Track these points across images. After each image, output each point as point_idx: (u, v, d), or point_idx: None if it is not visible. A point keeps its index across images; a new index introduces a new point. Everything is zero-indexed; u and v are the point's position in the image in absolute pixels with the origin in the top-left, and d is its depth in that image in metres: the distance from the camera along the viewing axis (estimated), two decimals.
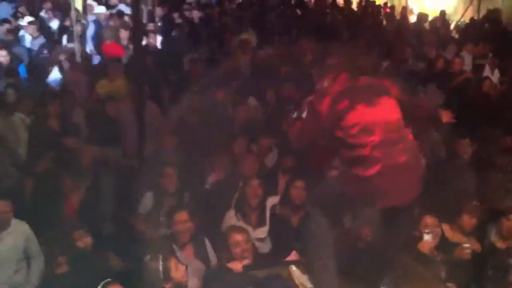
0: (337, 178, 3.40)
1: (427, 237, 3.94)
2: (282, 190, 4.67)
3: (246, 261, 3.72)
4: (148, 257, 3.22)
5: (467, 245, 4.05)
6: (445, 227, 4.21)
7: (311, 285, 3.38)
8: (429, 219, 4.04)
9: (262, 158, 5.30)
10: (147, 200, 4.59)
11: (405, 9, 12.66)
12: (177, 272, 3.20)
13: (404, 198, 3.12)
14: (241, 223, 4.26)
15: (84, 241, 3.90)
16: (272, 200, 4.56)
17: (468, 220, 4.21)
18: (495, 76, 7.85)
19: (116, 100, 5.93)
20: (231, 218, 4.39)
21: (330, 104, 3.04)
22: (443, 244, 4.07)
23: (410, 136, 3.16)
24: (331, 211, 3.27)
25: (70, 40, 8.28)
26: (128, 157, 5.46)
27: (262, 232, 4.34)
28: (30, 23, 8.84)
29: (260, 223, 4.35)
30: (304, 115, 3.27)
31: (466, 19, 11.99)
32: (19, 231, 4.01)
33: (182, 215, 3.93)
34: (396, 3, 14.19)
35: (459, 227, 4.22)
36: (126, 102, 5.85)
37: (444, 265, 3.89)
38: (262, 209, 4.44)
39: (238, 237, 3.78)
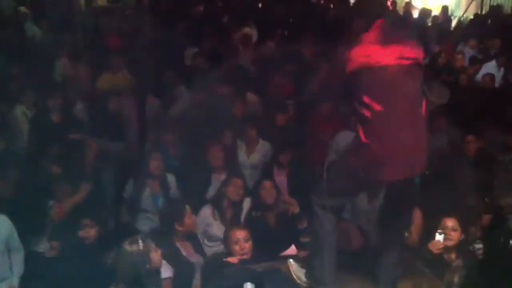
0: (340, 153, 3.26)
1: (438, 237, 3.84)
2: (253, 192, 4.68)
3: (245, 257, 3.76)
4: (127, 242, 3.26)
5: (479, 246, 3.99)
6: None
7: (307, 280, 3.39)
8: (449, 221, 3.91)
9: (250, 150, 5.33)
10: (129, 185, 4.76)
11: (408, 5, 12.64)
12: (155, 254, 3.28)
13: (406, 172, 3.04)
14: (217, 222, 4.35)
15: (88, 232, 3.96)
16: (247, 201, 4.59)
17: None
18: (501, 73, 7.82)
19: (118, 95, 5.94)
20: (207, 215, 4.44)
21: (356, 52, 2.95)
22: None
23: (421, 107, 3.04)
24: (339, 198, 3.24)
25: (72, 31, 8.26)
26: (129, 151, 5.49)
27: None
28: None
29: (235, 223, 4.35)
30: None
31: (470, 14, 11.96)
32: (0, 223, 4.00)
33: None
34: None
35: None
36: (128, 96, 5.87)
37: (460, 270, 3.78)
38: (239, 210, 4.49)
39: (239, 235, 3.82)
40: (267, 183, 4.56)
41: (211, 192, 4.84)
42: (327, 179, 3.25)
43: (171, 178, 4.90)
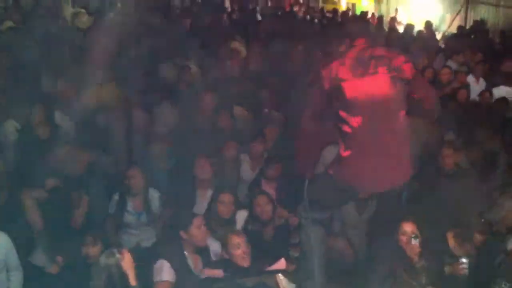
0: (327, 166, 3.34)
1: (414, 242, 3.87)
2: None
3: (247, 263, 3.76)
4: (104, 254, 3.26)
5: (464, 260, 3.96)
6: (449, 236, 4.14)
7: None
8: (407, 226, 3.93)
9: (255, 166, 5.30)
10: (114, 201, 4.71)
11: (393, 20, 12.82)
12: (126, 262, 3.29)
13: (389, 183, 3.08)
14: (210, 238, 4.24)
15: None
16: (242, 214, 4.51)
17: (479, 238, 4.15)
18: (481, 85, 7.95)
19: (107, 109, 5.93)
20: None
21: (334, 70, 3.00)
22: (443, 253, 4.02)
23: (403, 118, 3.08)
24: (322, 212, 3.26)
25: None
26: (116, 165, 5.46)
27: None
28: None
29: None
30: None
31: (453, 29, 12.16)
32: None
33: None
34: (384, 13, 14.37)
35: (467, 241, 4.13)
36: (116, 109, 5.85)
37: (427, 272, 3.84)
38: (233, 224, 4.42)
39: (239, 239, 3.82)
40: (262, 199, 4.43)
41: (199, 207, 4.76)
42: (312, 192, 3.28)
43: (154, 194, 4.82)
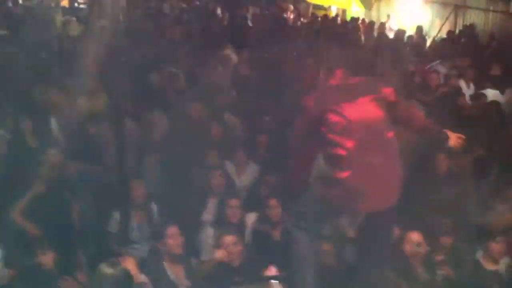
0: (316, 183, 3.39)
1: (417, 250, 3.94)
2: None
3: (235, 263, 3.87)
4: (105, 264, 3.24)
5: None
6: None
7: None
8: (413, 235, 4.00)
9: (239, 173, 5.34)
10: (115, 219, 4.66)
11: (383, 25, 12.88)
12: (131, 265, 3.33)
13: (382, 203, 3.11)
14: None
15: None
16: (252, 216, 4.67)
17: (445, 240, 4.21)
18: (471, 90, 8.00)
19: (96, 119, 5.90)
20: (209, 237, 4.46)
21: (318, 99, 3.07)
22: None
23: (391, 140, 3.14)
24: (312, 223, 3.27)
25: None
26: (108, 174, 5.42)
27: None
28: None
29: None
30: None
31: (443, 34, 12.24)
32: None
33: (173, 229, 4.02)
34: (375, 19, 14.44)
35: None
36: (106, 120, 5.82)
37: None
38: (242, 227, 4.55)
39: (229, 239, 3.91)
40: (272, 202, 4.66)
41: (206, 215, 4.86)
42: (302, 203, 3.30)
43: (153, 207, 4.86)
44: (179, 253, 4.04)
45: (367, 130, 3.02)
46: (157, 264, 3.91)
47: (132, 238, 4.63)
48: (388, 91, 3.18)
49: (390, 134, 3.14)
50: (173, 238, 3.99)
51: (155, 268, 3.87)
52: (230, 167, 5.45)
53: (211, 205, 4.94)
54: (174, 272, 3.96)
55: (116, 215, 4.63)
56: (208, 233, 4.57)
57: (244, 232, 4.57)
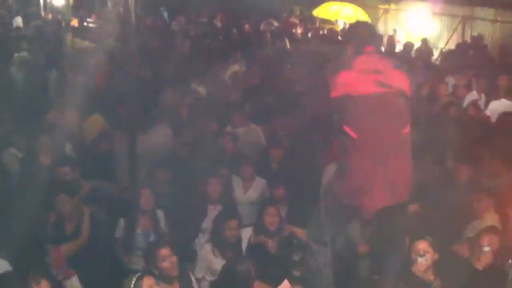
0: (327, 191, 3.34)
1: (421, 260, 3.89)
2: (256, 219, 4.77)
3: None
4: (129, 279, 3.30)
5: None
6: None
7: None
8: (421, 244, 3.97)
9: (246, 188, 5.39)
10: (121, 225, 4.77)
11: (391, 37, 12.90)
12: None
13: (392, 199, 3.07)
14: (219, 259, 4.40)
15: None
16: (248, 231, 4.70)
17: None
18: (483, 100, 7.94)
19: (109, 137, 5.94)
20: (207, 253, 4.50)
21: (341, 78, 3.02)
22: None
23: (406, 136, 3.10)
24: (326, 235, 3.25)
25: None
26: (120, 189, 5.45)
27: None
28: None
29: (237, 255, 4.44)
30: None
31: (451, 46, 12.24)
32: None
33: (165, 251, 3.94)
34: (382, 32, 14.45)
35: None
36: (117, 136, 5.87)
37: None
38: (239, 242, 4.59)
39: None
40: (271, 209, 4.64)
41: (206, 224, 4.88)
42: (315, 214, 3.28)
43: (160, 214, 4.91)
44: (175, 275, 3.94)
45: (382, 122, 2.97)
46: None
47: (138, 245, 4.68)
48: (405, 86, 3.11)
49: (406, 131, 3.08)
50: (167, 260, 3.89)
51: None
52: (236, 181, 5.45)
53: (209, 213, 4.98)
54: None
55: (122, 222, 4.75)
56: (206, 250, 4.55)
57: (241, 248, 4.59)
